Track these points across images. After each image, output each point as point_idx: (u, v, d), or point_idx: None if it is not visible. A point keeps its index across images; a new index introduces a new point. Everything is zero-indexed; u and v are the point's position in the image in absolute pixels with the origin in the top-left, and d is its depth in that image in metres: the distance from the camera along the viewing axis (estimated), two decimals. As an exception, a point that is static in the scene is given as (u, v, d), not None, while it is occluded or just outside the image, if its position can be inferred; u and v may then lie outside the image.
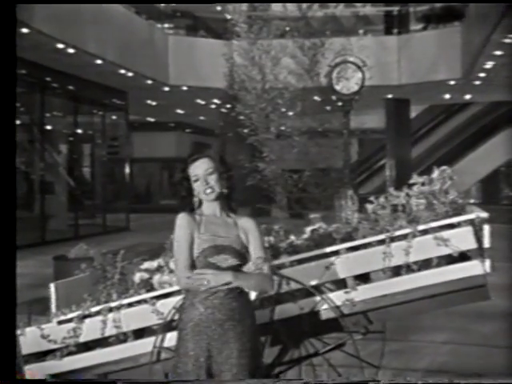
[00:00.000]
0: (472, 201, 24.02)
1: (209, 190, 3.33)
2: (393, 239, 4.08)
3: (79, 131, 20.69)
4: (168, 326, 4.10)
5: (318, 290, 4.09)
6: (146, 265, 4.60)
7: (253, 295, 3.76)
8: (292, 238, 4.68)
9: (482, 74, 18.84)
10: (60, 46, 14.76)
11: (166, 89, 20.76)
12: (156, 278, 4.45)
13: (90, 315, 4.35)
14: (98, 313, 4.33)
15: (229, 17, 14.94)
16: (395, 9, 22.08)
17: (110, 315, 4.30)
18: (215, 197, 3.35)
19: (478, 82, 20.19)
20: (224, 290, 3.25)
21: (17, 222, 3.27)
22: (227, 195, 3.41)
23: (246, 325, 3.30)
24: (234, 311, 3.26)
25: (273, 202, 13.73)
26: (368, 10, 23.25)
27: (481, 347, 6.67)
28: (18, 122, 15.54)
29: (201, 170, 3.34)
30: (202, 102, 23.70)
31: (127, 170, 22.04)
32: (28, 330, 4.41)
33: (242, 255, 3.31)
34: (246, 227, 3.38)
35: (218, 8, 20.83)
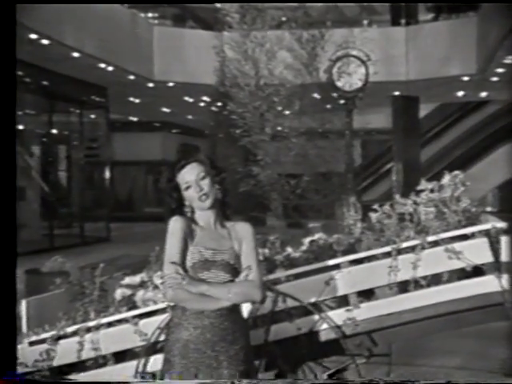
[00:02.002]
0: (488, 209, 23.99)
1: (204, 197, 3.35)
2: (399, 251, 4.09)
3: (54, 131, 20.64)
4: (152, 349, 4.09)
5: (316, 307, 4.10)
6: (128, 280, 4.60)
7: (245, 313, 3.76)
8: (289, 249, 4.69)
9: (501, 70, 18.85)
10: (33, 36, 14.75)
11: (151, 85, 20.74)
12: (139, 294, 4.45)
13: (65, 336, 4.35)
14: (74, 333, 4.33)
15: (219, 6, 14.96)
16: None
17: (88, 336, 4.29)
18: (211, 204, 3.37)
19: (495, 79, 20.21)
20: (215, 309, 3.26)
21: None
22: (221, 201, 3.44)
23: (239, 347, 3.29)
24: (225, 331, 3.26)
25: (268, 209, 13.74)
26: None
27: (498, 374, 6.64)
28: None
29: (192, 175, 3.37)
30: (190, 100, 23.69)
31: (107, 174, 21.99)
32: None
33: (236, 269, 3.33)
34: (241, 235, 3.40)
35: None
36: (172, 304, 3.47)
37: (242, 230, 3.42)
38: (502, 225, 4.01)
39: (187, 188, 3.37)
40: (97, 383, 4.33)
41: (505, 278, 3.94)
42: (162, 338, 4.02)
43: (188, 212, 3.41)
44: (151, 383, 3.23)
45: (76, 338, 4.30)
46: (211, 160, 3.49)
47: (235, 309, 3.32)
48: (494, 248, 3.96)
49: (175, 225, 3.33)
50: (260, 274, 3.36)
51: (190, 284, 3.21)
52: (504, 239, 3.98)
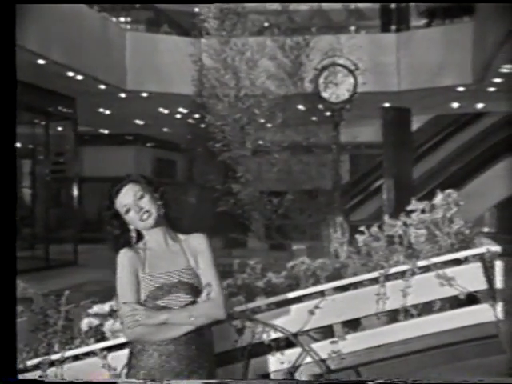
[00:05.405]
0: (486, 229, 23.94)
1: (145, 216, 3.45)
2: (388, 277, 4.10)
3: (17, 145, 20.58)
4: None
5: (299, 339, 4.10)
6: (96, 308, 4.58)
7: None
8: (270, 275, 4.69)
9: (498, 80, 18.99)
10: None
11: (123, 95, 20.74)
12: (108, 324, 4.43)
13: (25, 370, 4.30)
14: (35, 367, 4.29)
15: (197, 10, 14.99)
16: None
17: (51, 370, 4.26)
18: (154, 221, 3.46)
19: (492, 89, 20.36)
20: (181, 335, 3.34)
21: None
22: (166, 216, 3.52)
23: (204, 374, 3.37)
24: (190, 359, 3.34)
25: (249, 230, 13.73)
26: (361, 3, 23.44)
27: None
28: None
29: (129, 197, 3.48)
30: (166, 111, 23.69)
31: (75, 191, 21.91)
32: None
33: (196, 288, 3.42)
34: (196, 248, 3.50)
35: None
36: None
37: (197, 243, 3.52)
38: (496, 248, 4.01)
39: (127, 211, 3.49)
40: (96, 383, 4.30)
41: (499, 306, 3.94)
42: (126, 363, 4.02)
43: (133, 237, 3.52)
44: (152, 383, 3.28)
45: (38, 373, 4.26)
46: (145, 177, 3.60)
47: (200, 332, 3.39)
48: (489, 274, 3.97)
49: (122, 260, 3.45)
50: (221, 290, 3.45)
51: (148, 317, 3.29)
52: (498, 264, 3.99)
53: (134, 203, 3.46)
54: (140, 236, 3.54)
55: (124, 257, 3.45)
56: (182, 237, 3.55)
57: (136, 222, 3.46)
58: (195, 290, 3.41)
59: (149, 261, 3.45)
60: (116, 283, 3.43)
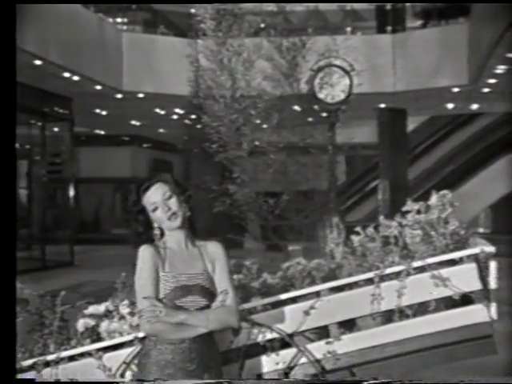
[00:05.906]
0: (481, 230, 23.94)
1: (173, 216, 3.50)
2: (383, 278, 4.09)
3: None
4: (117, 385, 4.06)
5: (294, 339, 4.09)
6: (92, 309, 4.57)
7: None
8: (265, 275, 4.68)
9: (493, 80, 19.01)
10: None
11: (119, 96, 20.73)
12: (103, 325, 4.42)
13: (21, 370, 4.29)
14: (31, 367, 4.28)
15: (193, 11, 14.97)
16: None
17: (46, 371, 4.25)
18: (181, 222, 3.52)
19: (487, 90, 20.39)
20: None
21: None
22: (190, 219, 3.59)
23: (214, 374, 3.45)
24: (202, 358, 3.41)
25: (245, 231, 13.71)
26: (357, 3, 23.43)
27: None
28: None
29: (158, 196, 3.52)
30: (162, 112, 23.69)
31: (72, 192, 21.89)
32: None
33: (211, 293, 3.49)
34: (213, 255, 3.57)
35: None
36: (141, 335, 3.66)
37: (214, 251, 3.59)
38: (490, 249, 4.01)
39: (154, 209, 3.52)
40: (96, 383, 4.30)
41: (493, 307, 3.94)
42: (128, 373, 4.01)
43: (157, 235, 3.56)
44: (150, 383, 3.32)
45: (33, 373, 4.25)
46: (175, 179, 3.65)
47: (211, 333, 3.47)
48: (483, 274, 3.97)
49: (144, 255, 3.47)
50: (236, 298, 3.53)
51: (167, 315, 3.35)
52: (493, 264, 3.98)
53: (162, 202, 3.51)
54: (161, 235, 3.59)
55: (146, 252, 3.48)
56: (199, 243, 3.61)
57: (163, 221, 3.52)
58: (210, 295, 3.48)
59: (169, 260, 3.50)
60: (135, 277, 3.48)
